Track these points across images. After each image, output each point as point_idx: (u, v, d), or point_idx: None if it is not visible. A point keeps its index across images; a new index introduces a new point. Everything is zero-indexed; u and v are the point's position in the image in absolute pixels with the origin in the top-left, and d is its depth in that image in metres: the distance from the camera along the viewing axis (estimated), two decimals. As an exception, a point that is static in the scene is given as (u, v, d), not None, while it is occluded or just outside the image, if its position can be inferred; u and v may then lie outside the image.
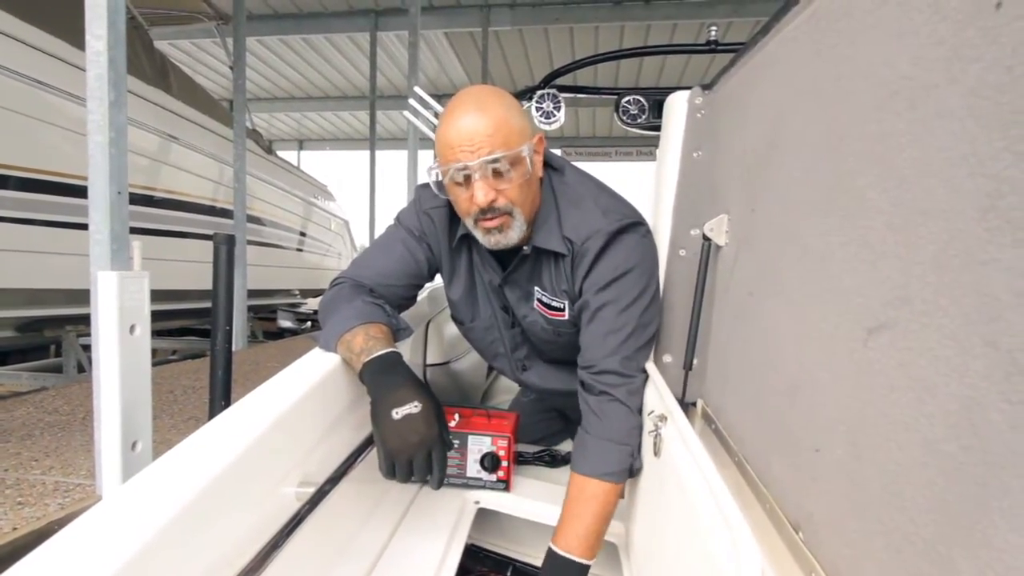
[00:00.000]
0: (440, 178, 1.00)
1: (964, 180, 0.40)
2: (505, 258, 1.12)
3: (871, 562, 0.50)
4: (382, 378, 0.89)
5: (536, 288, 1.11)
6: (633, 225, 1.03)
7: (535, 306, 1.13)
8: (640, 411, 0.99)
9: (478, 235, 1.01)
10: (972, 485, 0.39)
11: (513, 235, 1.00)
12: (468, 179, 0.95)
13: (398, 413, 0.84)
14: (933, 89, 0.44)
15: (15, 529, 1.40)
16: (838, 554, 0.57)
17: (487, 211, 0.96)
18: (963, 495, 0.40)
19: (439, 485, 0.87)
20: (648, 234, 1.06)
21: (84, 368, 3.59)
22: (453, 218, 1.11)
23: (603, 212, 1.03)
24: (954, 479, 0.41)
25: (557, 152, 1.21)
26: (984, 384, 0.38)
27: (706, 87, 1.14)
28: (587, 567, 0.93)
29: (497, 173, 0.94)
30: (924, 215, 0.45)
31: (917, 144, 0.46)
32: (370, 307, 1.02)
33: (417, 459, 0.84)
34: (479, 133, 0.91)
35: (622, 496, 1.00)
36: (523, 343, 1.25)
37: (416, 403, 0.85)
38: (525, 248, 1.07)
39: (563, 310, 1.10)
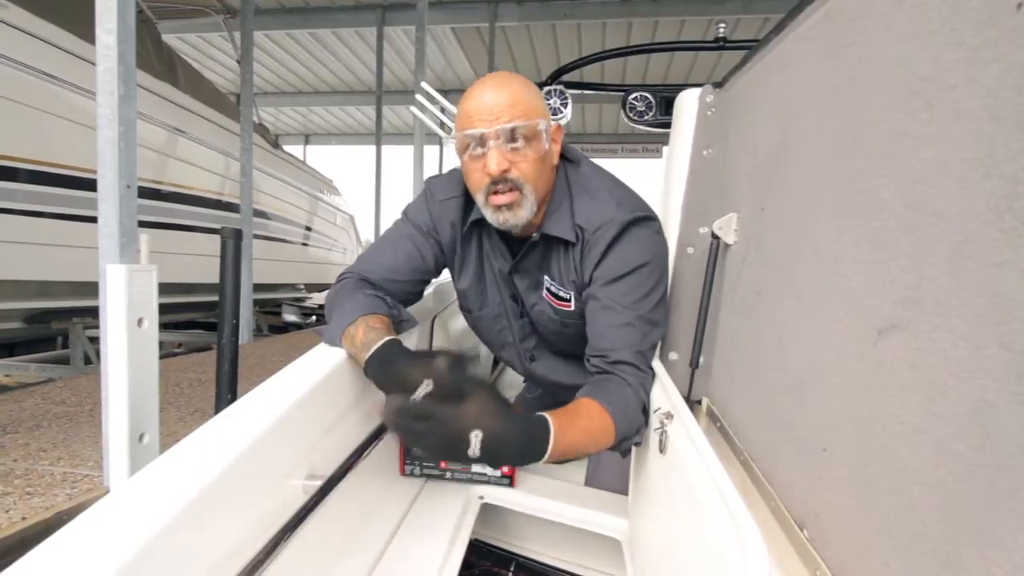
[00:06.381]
0: (458, 154, 1.00)
1: (980, 181, 0.40)
2: (515, 246, 1.12)
3: (877, 561, 0.51)
4: (384, 372, 0.88)
5: (545, 277, 1.11)
6: (646, 219, 1.03)
7: (544, 295, 1.13)
8: (647, 407, 0.99)
9: (488, 213, 1.01)
10: (982, 485, 0.39)
11: (522, 214, 0.99)
12: (483, 152, 0.96)
13: (416, 398, 0.78)
14: (951, 90, 0.43)
15: (24, 519, 1.41)
16: (844, 553, 0.57)
17: (498, 182, 0.96)
18: (972, 495, 0.40)
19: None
20: (660, 231, 1.06)
21: (91, 360, 3.61)
22: (466, 207, 1.12)
23: (617, 203, 1.03)
24: (963, 479, 0.41)
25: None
26: (996, 385, 0.38)
27: (717, 85, 1.14)
28: (547, 439, 0.80)
29: (513, 145, 0.95)
30: (938, 216, 0.45)
31: (933, 145, 0.46)
32: (371, 299, 1.02)
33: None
34: (498, 104, 0.94)
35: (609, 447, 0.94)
36: (532, 333, 1.25)
37: (427, 381, 0.80)
38: (534, 235, 1.07)
39: (569, 301, 1.10)
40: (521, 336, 1.25)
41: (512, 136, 0.94)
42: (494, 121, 0.93)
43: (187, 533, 0.58)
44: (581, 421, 0.88)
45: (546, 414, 0.83)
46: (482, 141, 0.95)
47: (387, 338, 0.92)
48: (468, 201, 1.11)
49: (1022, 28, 0.37)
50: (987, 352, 0.39)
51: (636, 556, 1.05)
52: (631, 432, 0.94)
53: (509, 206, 0.98)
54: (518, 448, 0.80)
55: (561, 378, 1.27)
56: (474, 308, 1.24)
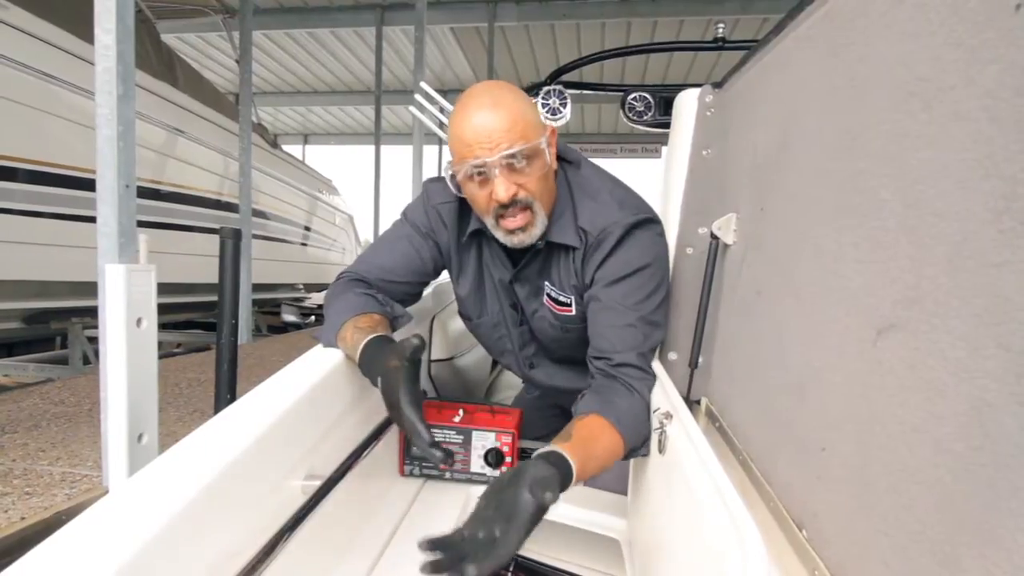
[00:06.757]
0: (455, 176, 0.97)
1: (979, 182, 0.40)
2: (516, 254, 1.11)
3: (876, 561, 0.51)
4: (373, 371, 0.88)
5: (546, 283, 1.11)
6: (649, 221, 1.03)
7: (545, 301, 1.13)
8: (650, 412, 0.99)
9: (499, 235, 1.01)
10: (981, 485, 0.39)
11: (536, 231, 0.99)
12: (486, 177, 0.93)
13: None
14: (950, 90, 0.44)
15: (23, 519, 1.41)
16: (843, 552, 0.57)
17: (508, 206, 0.94)
18: (971, 495, 0.40)
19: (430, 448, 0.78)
20: (662, 233, 1.06)
21: (90, 360, 3.60)
22: (463, 213, 1.11)
23: (619, 204, 1.02)
24: (962, 479, 0.41)
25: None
26: (995, 385, 0.38)
27: (717, 85, 1.14)
28: (570, 474, 0.76)
29: (516, 167, 0.93)
30: (937, 216, 0.45)
31: (932, 145, 0.46)
32: (361, 298, 1.02)
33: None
34: (497, 129, 0.90)
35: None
36: (531, 341, 1.24)
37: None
38: (539, 243, 1.06)
39: (570, 305, 1.10)
40: (520, 344, 1.25)
41: (515, 159, 0.92)
42: (494, 148, 0.90)
43: (186, 533, 0.58)
44: (597, 452, 0.85)
45: (570, 459, 0.76)
46: (484, 168, 0.93)
47: (370, 337, 0.90)
48: (463, 206, 1.10)
49: (1021, 29, 0.37)
50: (986, 352, 0.39)
51: (635, 556, 1.05)
52: (638, 445, 0.94)
53: (523, 227, 0.98)
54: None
55: (560, 383, 1.27)
56: (473, 316, 1.24)
